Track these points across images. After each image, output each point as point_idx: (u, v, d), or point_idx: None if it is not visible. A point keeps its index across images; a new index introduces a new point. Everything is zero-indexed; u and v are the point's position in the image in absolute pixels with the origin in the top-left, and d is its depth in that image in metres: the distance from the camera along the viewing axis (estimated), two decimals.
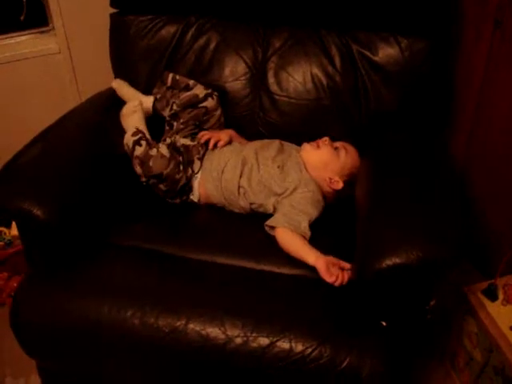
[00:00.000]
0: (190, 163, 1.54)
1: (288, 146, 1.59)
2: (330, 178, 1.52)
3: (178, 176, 1.50)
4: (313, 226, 1.44)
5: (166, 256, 1.40)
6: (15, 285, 1.91)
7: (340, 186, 1.52)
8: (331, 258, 1.35)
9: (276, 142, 1.58)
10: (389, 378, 1.21)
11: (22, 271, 1.96)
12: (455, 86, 1.69)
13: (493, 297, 1.51)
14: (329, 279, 1.30)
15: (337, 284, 1.30)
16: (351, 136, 1.64)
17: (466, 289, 1.55)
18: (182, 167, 1.52)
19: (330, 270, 1.32)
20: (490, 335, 1.46)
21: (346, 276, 1.31)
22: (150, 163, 1.49)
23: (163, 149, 1.52)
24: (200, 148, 1.57)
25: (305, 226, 1.42)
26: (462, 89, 1.68)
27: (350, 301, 1.28)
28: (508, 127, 1.53)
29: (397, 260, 1.15)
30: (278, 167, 1.50)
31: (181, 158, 1.52)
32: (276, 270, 1.38)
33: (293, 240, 1.40)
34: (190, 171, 1.54)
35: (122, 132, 1.59)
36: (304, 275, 1.36)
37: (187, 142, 1.57)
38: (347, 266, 1.33)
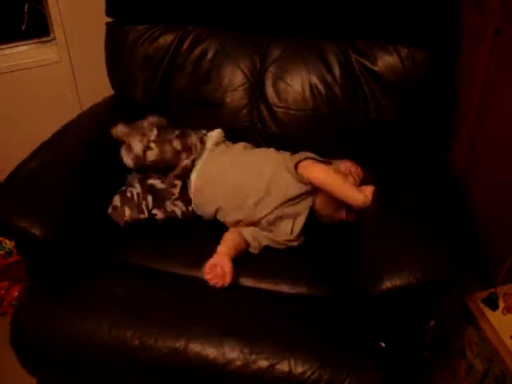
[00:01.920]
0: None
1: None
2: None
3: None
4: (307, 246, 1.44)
5: (165, 274, 1.40)
6: (16, 294, 1.92)
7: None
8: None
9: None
10: None
11: (22, 280, 1.97)
12: (455, 95, 1.67)
13: (493, 306, 1.51)
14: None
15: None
16: (350, 146, 1.62)
17: (466, 298, 1.54)
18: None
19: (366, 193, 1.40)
20: (491, 344, 1.46)
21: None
22: None
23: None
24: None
25: None
26: (462, 97, 1.65)
27: (349, 322, 1.28)
28: (509, 133, 1.51)
29: (397, 282, 1.14)
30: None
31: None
32: (275, 288, 1.37)
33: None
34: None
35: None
36: (303, 294, 1.36)
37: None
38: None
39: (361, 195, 1.39)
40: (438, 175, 1.42)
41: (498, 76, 1.50)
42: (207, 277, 1.34)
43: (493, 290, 1.53)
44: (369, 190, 1.40)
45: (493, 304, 1.51)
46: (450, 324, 1.59)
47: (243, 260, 1.42)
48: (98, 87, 1.81)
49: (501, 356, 1.42)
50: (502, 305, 1.51)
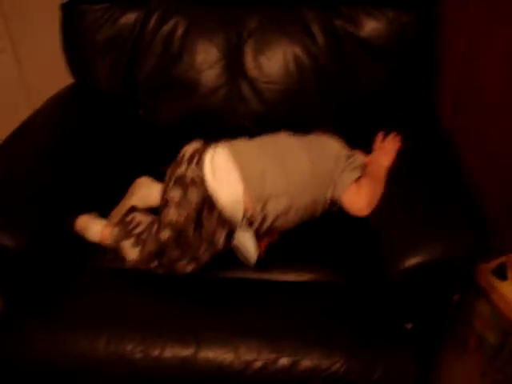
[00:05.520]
0: None
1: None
2: None
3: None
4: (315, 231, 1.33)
5: (160, 275, 1.25)
6: None
7: None
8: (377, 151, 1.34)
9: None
10: (419, 378, 1.13)
11: None
12: (438, 59, 1.59)
13: (503, 277, 1.46)
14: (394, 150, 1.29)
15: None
16: (339, 119, 1.52)
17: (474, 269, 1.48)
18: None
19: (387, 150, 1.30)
20: (506, 317, 1.40)
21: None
22: None
23: None
24: None
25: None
26: (445, 62, 1.57)
27: (372, 308, 1.18)
28: (491, 97, 1.45)
29: (423, 258, 1.06)
30: None
31: None
32: (281, 277, 1.26)
33: (367, 189, 1.26)
34: None
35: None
36: (314, 280, 1.25)
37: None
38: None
39: (382, 170, 1.28)
40: (444, 146, 1.33)
41: (479, 39, 1.43)
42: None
43: (502, 260, 1.48)
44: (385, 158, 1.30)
45: (502, 275, 1.46)
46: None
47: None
48: (50, 78, 1.63)
49: None
50: (511, 275, 1.46)
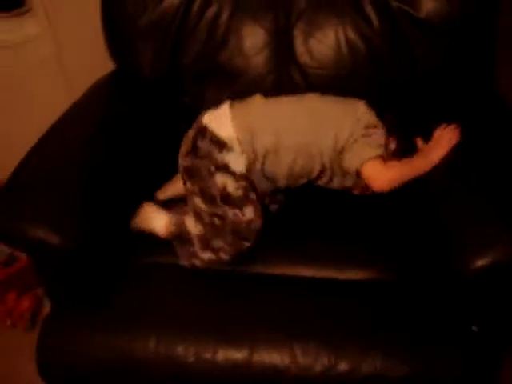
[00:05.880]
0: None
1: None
2: None
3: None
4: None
5: (212, 272, 1.21)
6: (27, 304, 1.72)
7: None
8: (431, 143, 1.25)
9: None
10: (486, 381, 1.09)
11: (32, 288, 1.77)
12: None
13: None
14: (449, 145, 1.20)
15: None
16: (393, 105, 1.43)
17: None
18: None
19: (442, 145, 1.21)
20: None
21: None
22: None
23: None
24: None
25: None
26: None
27: (430, 306, 1.11)
28: None
29: (497, 257, 0.98)
30: None
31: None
32: (340, 276, 1.19)
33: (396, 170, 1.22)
34: None
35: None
36: (375, 279, 1.18)
37: None
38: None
39: (427, 162, 1.21)
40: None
41: None
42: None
43: None
44: (435, 152, 1.22)
45: None
46: None
47: (291, 247, 1.25)
48: (90, 66, 1.58)
49: None
50: None
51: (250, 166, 1.20)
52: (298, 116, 1.25)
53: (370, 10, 1.40)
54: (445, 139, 1.22)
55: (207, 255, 1.19)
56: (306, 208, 1.32)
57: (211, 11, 1.46)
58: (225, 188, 1.17)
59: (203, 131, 1.22)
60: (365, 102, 1.31)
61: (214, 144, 1.19)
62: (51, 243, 1.09)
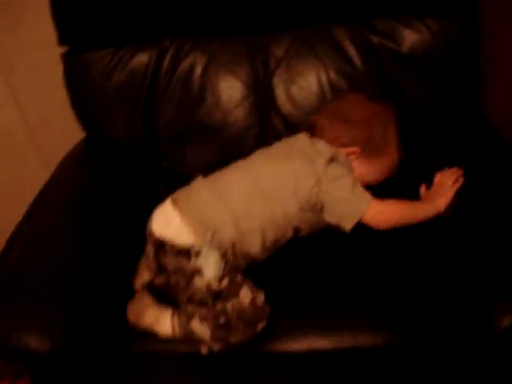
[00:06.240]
0: None
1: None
2: None
3: None
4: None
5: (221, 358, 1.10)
6: None
7: None
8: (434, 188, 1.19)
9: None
10: None
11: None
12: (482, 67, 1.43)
13: None
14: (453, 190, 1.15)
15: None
16: None
17: None
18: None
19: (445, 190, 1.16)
20: None
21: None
22: None
23: None
24: None
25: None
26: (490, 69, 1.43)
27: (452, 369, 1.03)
28: None
29: None
30: None
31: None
32: (351, 344, 1.08)
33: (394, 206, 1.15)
34: None
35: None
36: (388, 343, 1.08)
37: None
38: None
39: (431, 207, 1.14)
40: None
41: None
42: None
43: None
44: (441, 199, 1.14)
45: None
46: None
47: (297, 316, 1.13)
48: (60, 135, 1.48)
49: None
50: None
51: (222, 258, 1.10)
52: (249, 198, 1.12)
53: (350, 49, 1.33)
54: (448, 184, 1.16)
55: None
56: (299, 264, 1.21)
57: (183, 67, 1.38)
58: (209, 287, 1.06)
59: (161, 245, 1.10)
60: (304, 134, 1.23)
61: (179, 256, 1.09)
62: (33, 349, 0.98)
